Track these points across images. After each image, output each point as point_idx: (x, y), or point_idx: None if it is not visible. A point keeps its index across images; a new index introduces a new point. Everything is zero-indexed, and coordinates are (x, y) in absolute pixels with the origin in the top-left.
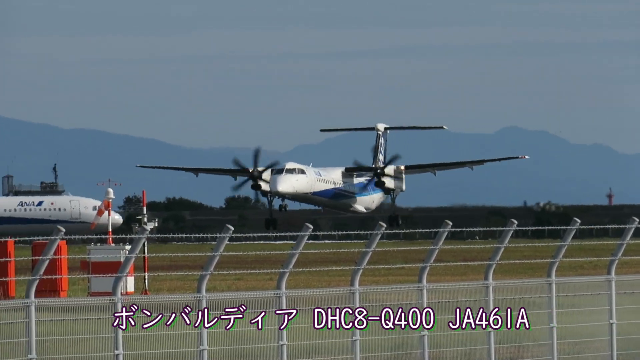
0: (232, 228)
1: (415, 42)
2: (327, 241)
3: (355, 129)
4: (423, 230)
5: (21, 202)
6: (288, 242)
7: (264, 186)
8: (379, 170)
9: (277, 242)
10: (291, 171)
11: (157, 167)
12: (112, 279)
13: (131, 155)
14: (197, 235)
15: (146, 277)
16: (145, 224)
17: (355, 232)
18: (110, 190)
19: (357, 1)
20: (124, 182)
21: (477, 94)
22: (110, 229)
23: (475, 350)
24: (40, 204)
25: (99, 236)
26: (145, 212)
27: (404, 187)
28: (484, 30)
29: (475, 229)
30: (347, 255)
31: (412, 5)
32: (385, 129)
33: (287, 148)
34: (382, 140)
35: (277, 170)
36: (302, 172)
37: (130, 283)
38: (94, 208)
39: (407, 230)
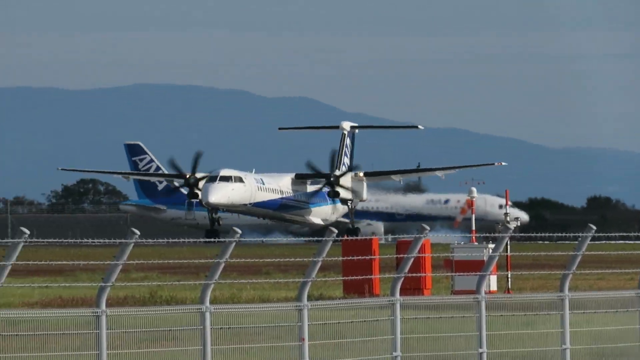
0: (595, 228)
1: None
2: None
3: (316, 127)
4: None
5: (430, 199)
6: None
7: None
8: (332, 179)
9: (637, 242)
10: (226, 179)
11: (82, 170)
12: (475, 278)
13: (492, 155)
14: (558, 234)
15: (509, 276)
16: (508, 222)
17: None
18: (474, 189)
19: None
20: (487, 180)
21: None
22: (473, 228)
23: None
24: (447, 202)
25: (463, 235)
26: (507, 211)
27: (364, 196)
28: None
29: None
30: None
31: None
32: (352, 127)
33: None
34: (347, 142)
35: (211, 178)
36: (240, 180)
37: (493, 282)
38: (500, 206)
39: None
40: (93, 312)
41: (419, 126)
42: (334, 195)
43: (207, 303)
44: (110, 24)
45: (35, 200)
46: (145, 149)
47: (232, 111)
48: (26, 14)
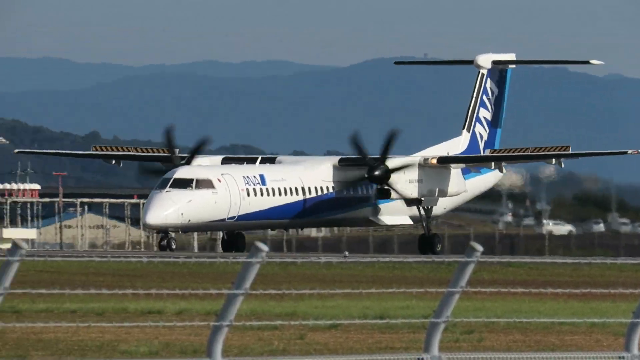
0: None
1: None
2: None
3: (440, 62)
4: None
5: None
6: None
7: None
8: (376, 171)
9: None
10: (183, 184)
11: (39, 152)
12: None
13: None
14: None
15: None
16: None
17: None
18: None
19: None
20: None
21: None
22: None
23: None
24: None
25: None
26: None
27: (451, 191)
28: None
29: None
30: None
31: None
32: (496, 63)
33: None
34: (489, 85)
35: (162, 182)
36: (209, 184)
37: None
38: None
39: None
40: None
41: (592, 61)
42: (381, 194)
43: None
44: None
45: None
46: None
47: None
48: None
